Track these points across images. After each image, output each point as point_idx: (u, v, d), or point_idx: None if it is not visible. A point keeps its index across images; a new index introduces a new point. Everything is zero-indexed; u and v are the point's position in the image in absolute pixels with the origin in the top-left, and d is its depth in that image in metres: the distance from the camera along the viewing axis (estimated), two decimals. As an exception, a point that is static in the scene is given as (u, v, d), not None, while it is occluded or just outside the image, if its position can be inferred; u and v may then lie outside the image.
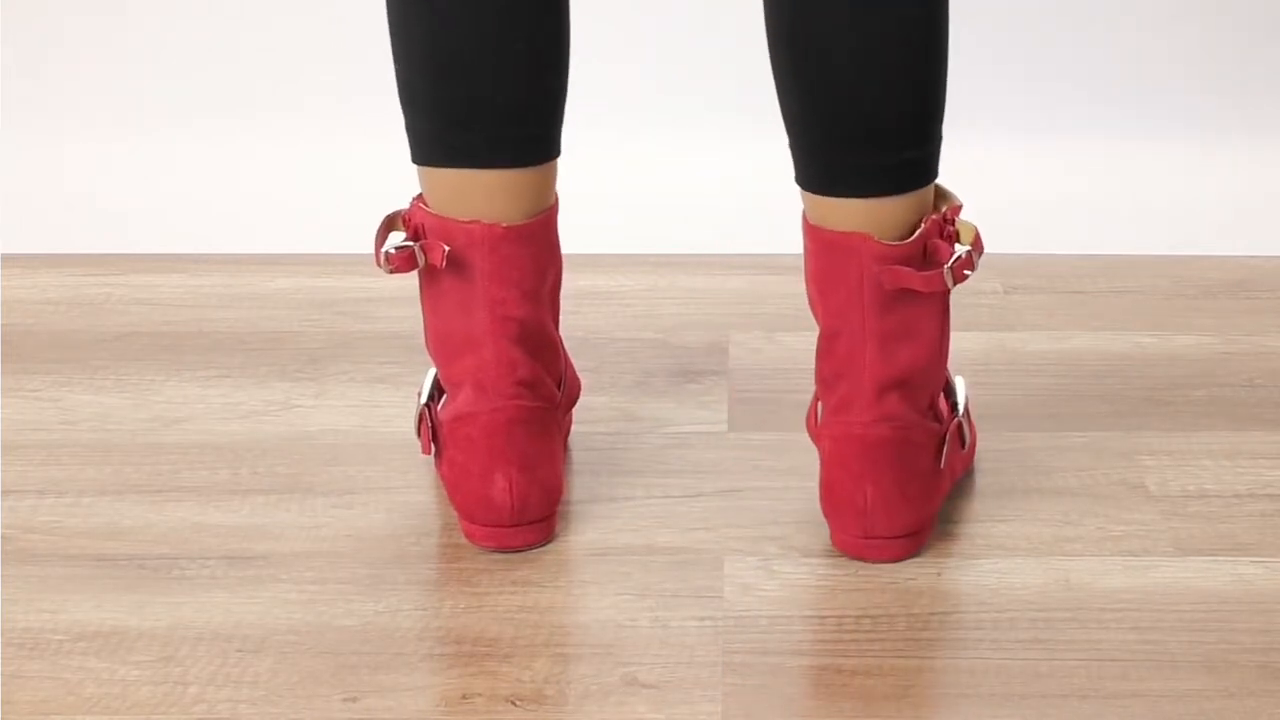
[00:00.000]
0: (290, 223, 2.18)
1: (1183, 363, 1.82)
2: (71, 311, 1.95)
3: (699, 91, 2.26)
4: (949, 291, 1.47)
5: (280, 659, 1.39)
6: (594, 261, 2.01)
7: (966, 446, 1.57)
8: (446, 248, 1.49)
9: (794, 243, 2.03)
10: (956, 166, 2.23)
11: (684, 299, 1.97)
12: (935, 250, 1.45)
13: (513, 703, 1.34)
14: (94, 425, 1.72)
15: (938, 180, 1.48)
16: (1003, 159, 2.25)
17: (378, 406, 1.75)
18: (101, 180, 2.24)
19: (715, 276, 2.01)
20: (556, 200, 1.54)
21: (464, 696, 1.35)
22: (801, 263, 1.50)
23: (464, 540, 1.53)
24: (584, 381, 1.75)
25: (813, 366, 1.53)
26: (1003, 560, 1.50)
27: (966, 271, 1.46)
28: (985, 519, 1.56)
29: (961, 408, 1.55)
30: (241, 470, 1.65)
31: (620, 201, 2.17)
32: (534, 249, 1.50)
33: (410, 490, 1.62)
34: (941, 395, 1.54)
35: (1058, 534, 1.54)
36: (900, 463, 1.48)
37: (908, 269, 1.44)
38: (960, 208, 1.48)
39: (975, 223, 1.51)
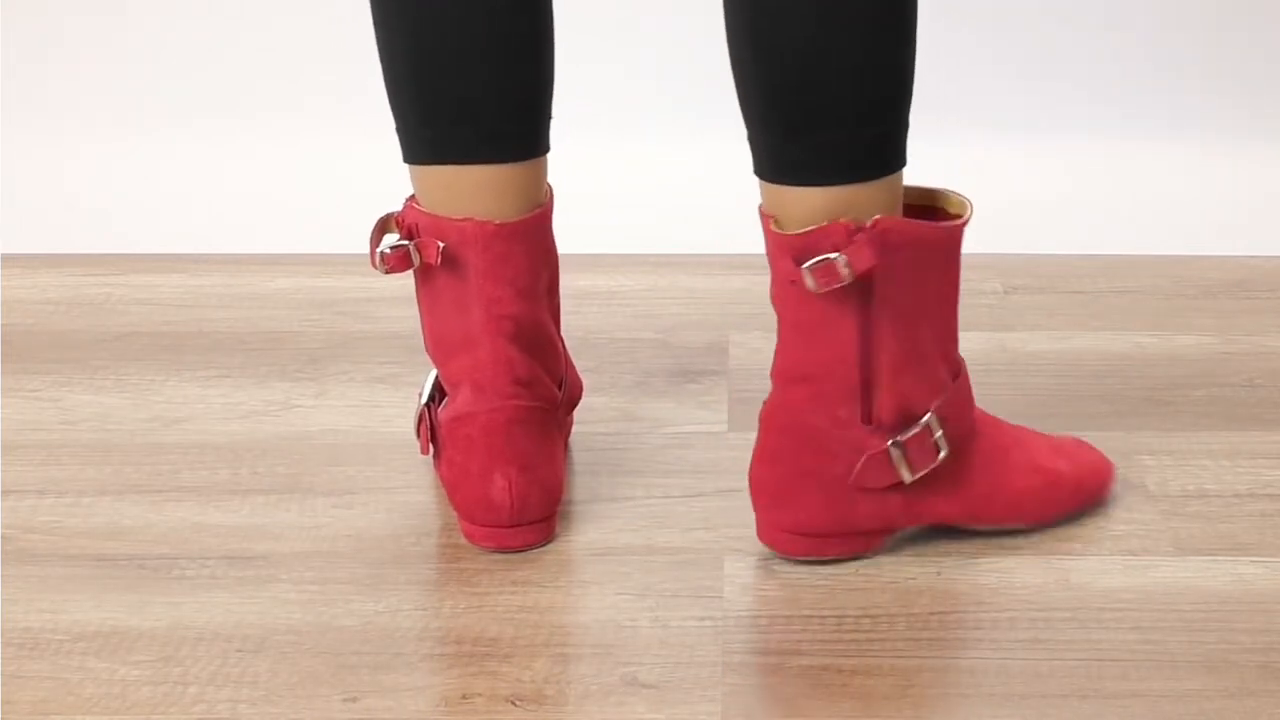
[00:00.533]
0: (290, 223, 2.18)
1: (1183, 363, 1.82)
2: (71, 311, 1.95)
3: (699, 92, 2.26)
4: (853, 297, 1.42)
5: (280, 659, 1.39)
6: (594, 261, 2.01)
7: (911, 478, 1.47)
8: (441, 244, 1.49)
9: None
10: (957, 166, 2.23)
11: (684, 299, 1.97)
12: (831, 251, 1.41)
13: (513, 703, 1.34)
14: (94, 425, 1.72)
15: (954, 189, 1.47)
16: (1003, 159, 2.25)
17: (378, 406, 1.75)
18: (101, 180, 2.24)
19: (715, 276, 2.01)
20: (551, 198, 1.54)
21: (464, 696, 1.35)
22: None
23: (464, 540, 1.53)
24: (584, 381, 1.75)
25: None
26: (1003, 560, 1.50)
27: (834, 282, 1.40)
28: (985, 519, 1.56)
29: (937, 447, 1.47)
30: (241, 470, 1.65)
31: (620, 201, 2.17)
32: (527, 246, 1.50)
33: (410, 490, 1.62)
34: (893, 410, 1.46)
35: (1058, 534, 1.54)
36: (790, 453, 1.47)
37: (787, 261, 1.42)
38: (934, 225, 1.43)
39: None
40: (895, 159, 1.43)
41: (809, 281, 1.41)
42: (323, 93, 2.29)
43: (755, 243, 2.08)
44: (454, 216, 1.49)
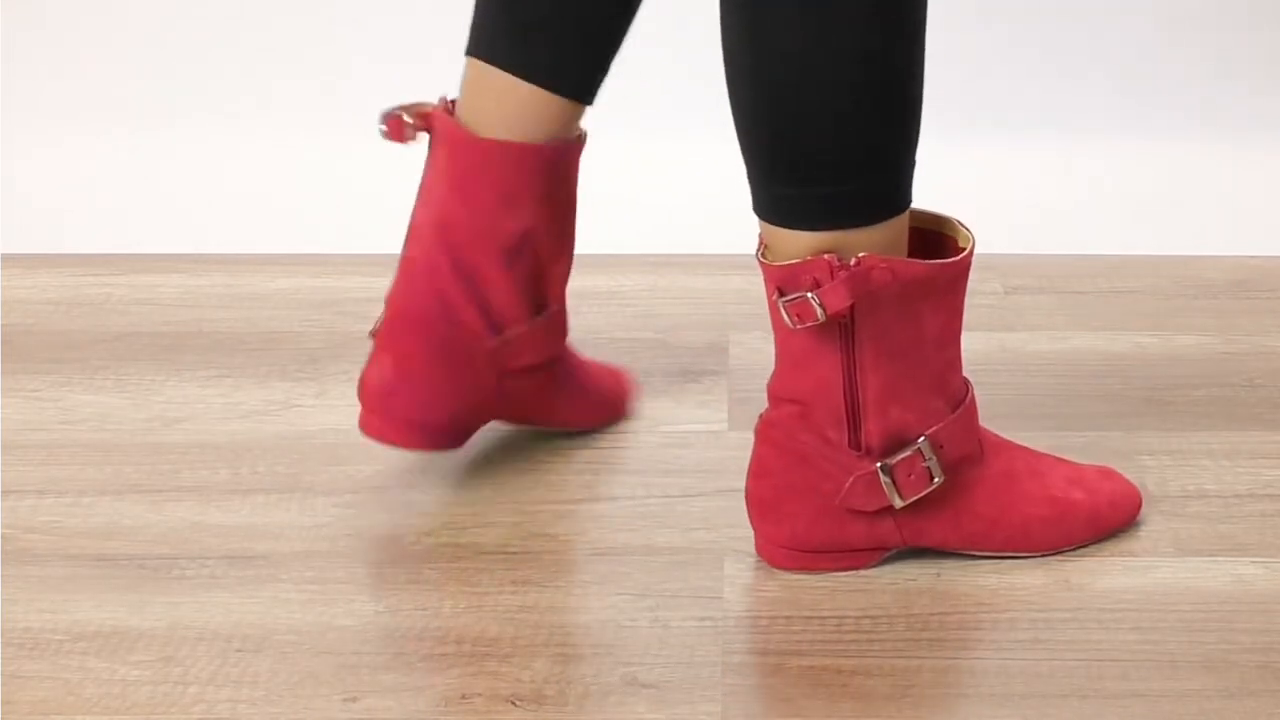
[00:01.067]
0: (290, 223, 2.18)
1: (1183, 363, 1.82)
2: (71, 311, 1.95)
3: (700, 92, 2.26)
4: (834, 335, 1.43)
5: (280, 659, 1.39)
6: (594, 261, 2.01)
7: (902, 503, 1.47)
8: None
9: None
10: (957, 166, 2.23)
11: (684, 299, 1.97)
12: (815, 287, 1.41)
13: (513, 703, 1.34)
14: (94, 425, 1.72)
15: (962, 220, 1.46)
16: (1003, 159, 2.25)
17: (378, 406, 1.75)
18: (101, 180, 2.24)
19: (715, 276, 2.01)
20: (562, 150, 1.58)
21: (464, 696, 1.35)
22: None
23: (464, 540, 1.54)
24: (584, 381, 1.76)
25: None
26: (1003, 561, 1.50)
27: (809, 320, 1.41)
28: (985, 519, 1.56)
29: (930, 473, 1.47)
30: (241, 470, 1.65)
31: (620, 201, 2.17)
32: (500, 174, 1.55)
33: (410, 490, 1.62)
34: (882, 437, 1.46)
35: (1058, 534, 1.54)
36: (781, 469, 1.47)
37: (772, 289, 1.43)
38: (929, 263, 1.43)
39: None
40: (887, 208, 1.42)
41: (784, 317, 1.42)
42: (323, 93, 2.29)
43: (755, 243, 2.08)
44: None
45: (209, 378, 1.81)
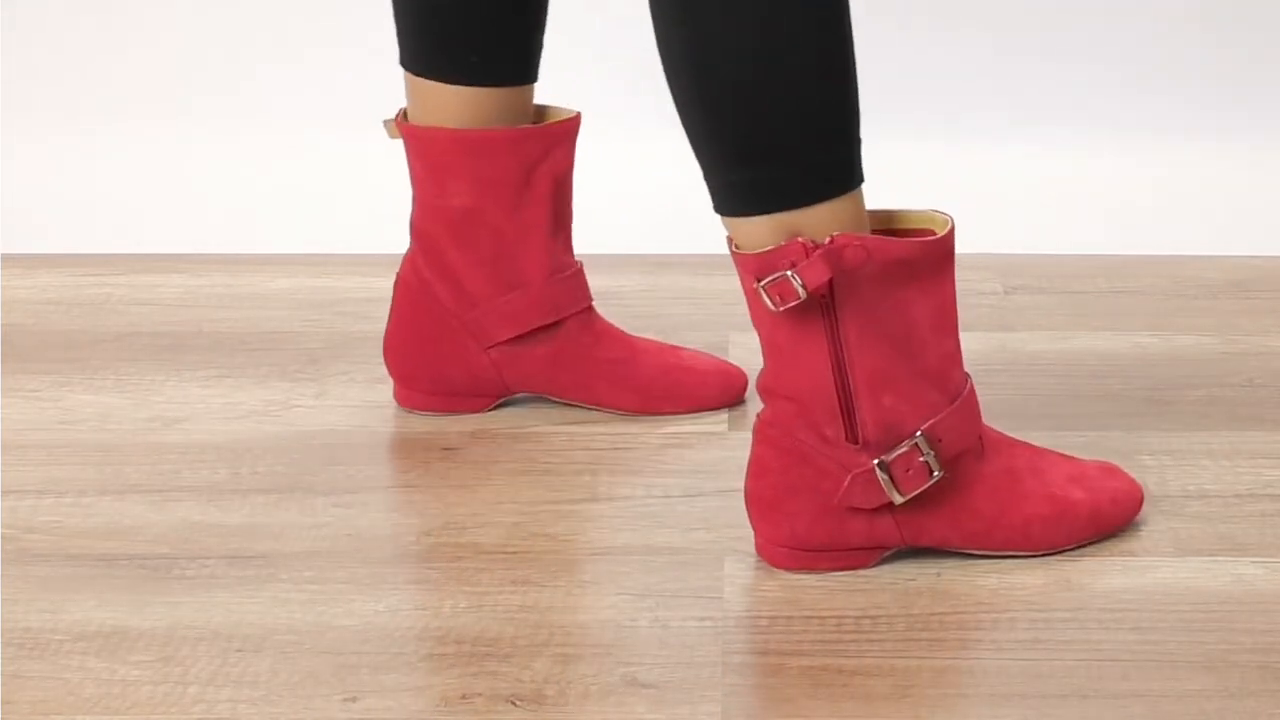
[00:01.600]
0: (290, 223, 2.18)
1: (1183, 363, 1.82)
2: (71, 311, 1.95)
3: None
4: (819, 319, 1.43)
5: (280, 659, 1.39)
6: (594, 261, 2.00)
7: (901, 499, 1.46)
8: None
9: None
10: (958, 167, 2.23)
11: (684, 299, 1.97)
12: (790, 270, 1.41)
13: (513, 703, 1.34)
14: (94, 425, 1.72)
15: (941, 209, 1.47)
16: (1003, 159, 2.24)
17: (378, 406, 1.75)
18: (102, 180, 2.24)
19: (715, 276, 2.00)
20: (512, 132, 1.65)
21: (464, 696, 1.35)
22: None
23: (464, 540, 1.54)
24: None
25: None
26: (1002, 561, 1.50)
27: (791, 301, 1.41)
28: (985, 519, 1.56)
29: (929, 468, 1.46)
30: (241, 470, 1.65)
31: (620, 201, 2.17)
32: (441, 159, 1.66)
33: (410, 490, 1.62)
34: (878, 429, 1.46)
35: (1058, 534, 1.54)
36: (780, 468, 1.47)
37: (750, 279, 1.43)
38: (897, 242, 1.43)
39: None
40: (840, 184, 1.42)
41: (766, 300, 1.42)
42: (323, 93, 2.29)
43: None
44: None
45: (209, 378, 1.81)
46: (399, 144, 1.70)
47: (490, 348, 1.70)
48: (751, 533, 1.52)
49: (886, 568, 1.49)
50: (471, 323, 1.69)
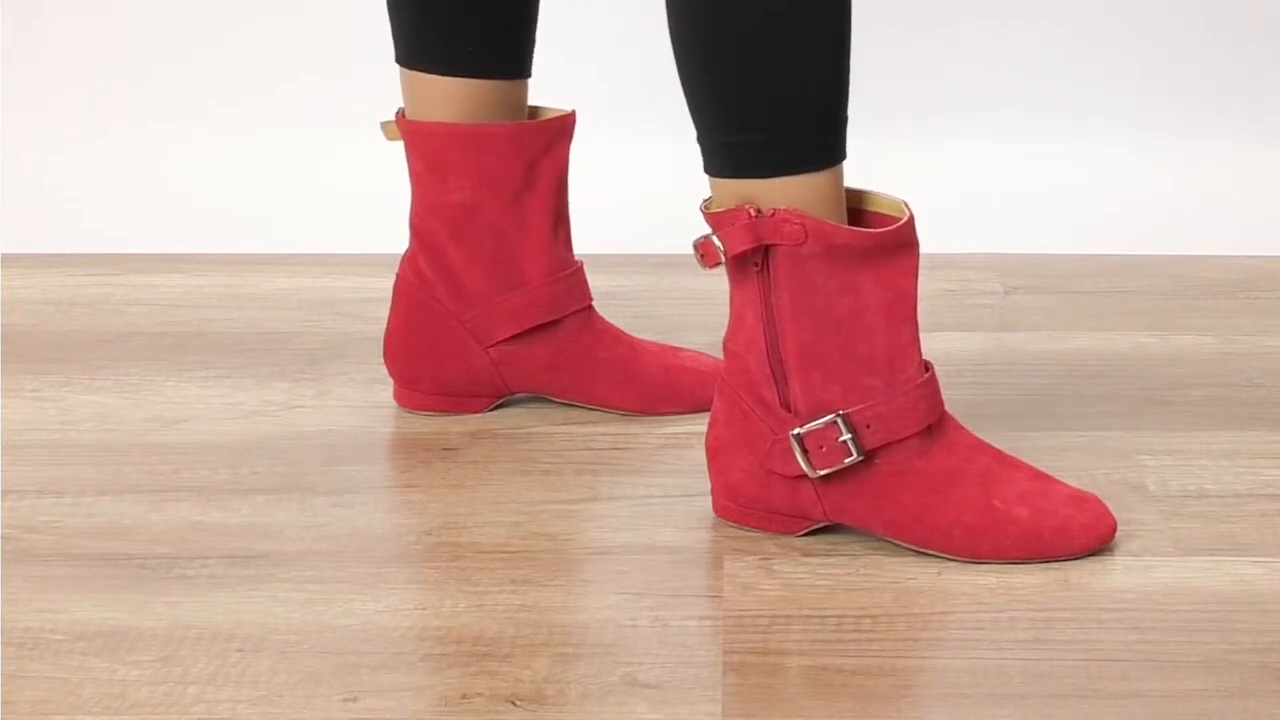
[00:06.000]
0: (290, 223, 2.18)
1: (1183, 363, 1.82)
2: (71, 311, 1.95)
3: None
4: (756, 289, 1.48)
5: (280, 659, 1.39)
6: (594, 261, 2.00)
7: (814, 474, 1.49)
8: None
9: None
10: (958, 167, 2.23)
11: (684, 299, 1.97)
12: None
13: (513, 703, 1.34)
14: (94, 425, 1.72)
15: (906, 199, 1.48)
16: (1003, 159, 2.24)
17: (378, 406, 1.75)
18: (101, 180, 2.24)
19: (715, 276, 2.00)
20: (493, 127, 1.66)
21: (464, 696, 1.35)
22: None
23: (464, 540, 1.54)
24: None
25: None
26: (1002, 560, 1.50)
27: (713, 262, 1.48)
28: (985, 519, 1.56)
29: (847, 449, 1.48)
30: (241, 470, 1.65)
31: (620, 201, 2.17)
32: (437, 157, 1.67)
33: (410, 490, 1.62)
34: (806, 402, 1.49)
35: (1058, 534, 1.54)
36: (726, 420, 1.52)
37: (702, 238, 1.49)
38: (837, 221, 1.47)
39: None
40: (806, 162, 1.46)
41: (696, 257, 1.49)
42: (323, 93, 2.29)
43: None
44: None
45: (209, 378, 1.81)
46: (399, 145, 1.70)
47: (490, 347, 1.70)
48: (752, 532, 1.52)
49: (886, 567, 1.49)
50: (471, 321, 1.69)
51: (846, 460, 1.48)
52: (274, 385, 1.80)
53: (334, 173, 2.23)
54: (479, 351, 1.70)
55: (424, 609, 1.45)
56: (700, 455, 1.66)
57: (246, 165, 2.26)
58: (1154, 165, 2.24)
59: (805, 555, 1.51)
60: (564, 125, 1.68)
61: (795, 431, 1.48)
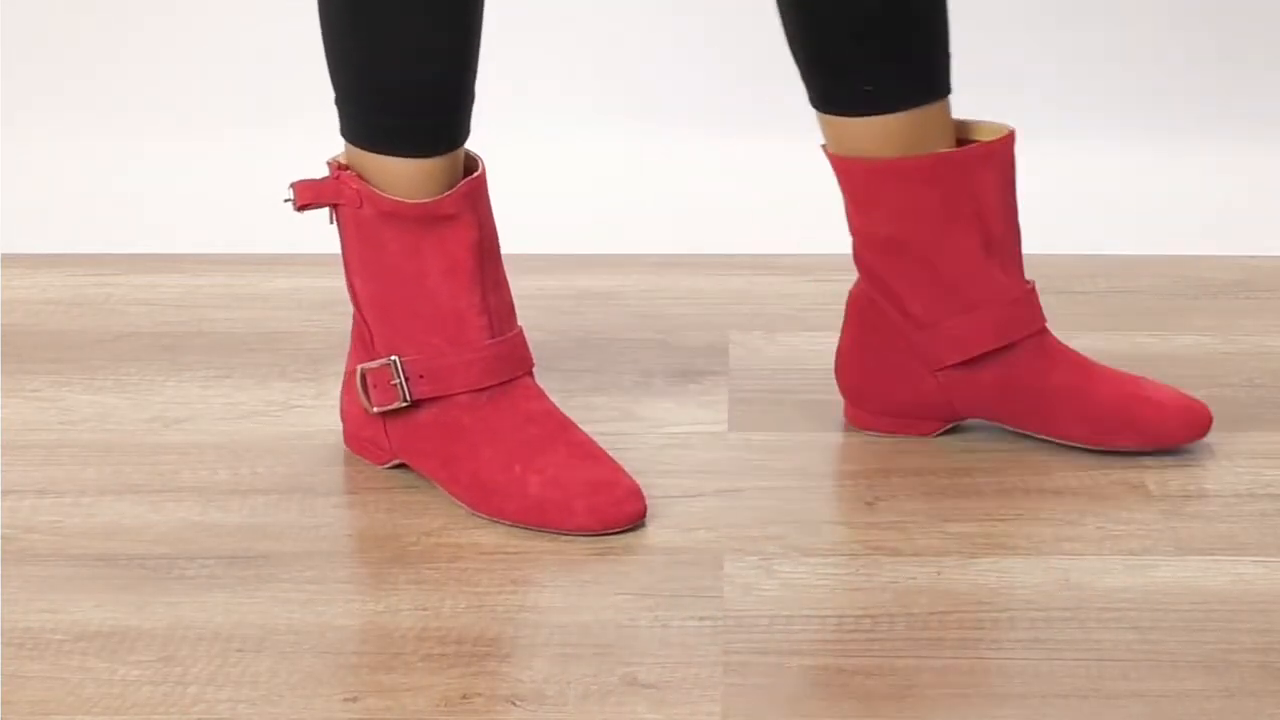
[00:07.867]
0: (290, 223, 2.18)
1: (1183, 363, 1.82)
2: (71, 311, 1.95)
3: (699, 92, 2.26)
4: None
5: (280, 659, 1.39)
6: (594, 261, 2.01)
7: (371, 409, 1.61)
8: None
9: (794, 243, 2.04)
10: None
11: (684, 299, 1.97)
12: None
13: (513, 703, 1.34)
14: (94, 425, 1.73)
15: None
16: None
17: (378, 406, 1.75)
18: (101, 180, 2.24)
19: (715, 276, 2.01)
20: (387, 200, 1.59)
21: (464, 696, 1.35)
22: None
23: (464, 540, 1.54)
24: (584, 381, 1.75)
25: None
26: (1002, 560, 1.50)
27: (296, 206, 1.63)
28: (985, 518, 1.56)
29: (400, 392, 1.59)
30: (241, 470, 1.65)
31: (620, 201, 2.17)
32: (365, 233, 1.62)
33: (410, 490, 1.62)
34: (384, 341, 1.61)
35: (1058, 533, 1.54)
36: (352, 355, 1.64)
37: None
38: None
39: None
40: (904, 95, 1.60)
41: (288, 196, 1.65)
42: (323, 93, 2.29)
43: (755, 243, 2.08)
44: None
45: (209, 378, 1.81)
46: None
47: (938, 371, 1.65)
48: (751, 532, 1.52)
49: (886, 567, 1.50)
50: (919, 344, 1.64)
51: (397, 403, 1.58)
52: (274, 385, 1.80)
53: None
54: (926, 375, 1.64)
55: (424, 609, 1.45)
56: (700, 456, 1.66)
57: (247, 165, 2.25)
58: (1155, 165, 2.24)
59: (805, 555, 1.51)
60: (990, 151, 1.63)
61: (363, 366, 1.59)
